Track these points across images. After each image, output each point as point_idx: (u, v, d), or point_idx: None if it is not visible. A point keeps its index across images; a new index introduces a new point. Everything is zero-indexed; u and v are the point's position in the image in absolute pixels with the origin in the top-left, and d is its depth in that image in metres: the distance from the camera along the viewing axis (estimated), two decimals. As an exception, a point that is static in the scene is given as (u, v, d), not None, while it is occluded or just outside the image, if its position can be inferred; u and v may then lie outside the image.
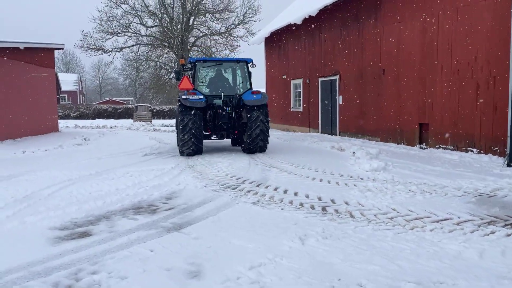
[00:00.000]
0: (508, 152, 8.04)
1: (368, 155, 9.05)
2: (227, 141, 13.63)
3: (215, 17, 41.53)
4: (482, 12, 9.20)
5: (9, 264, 3.56)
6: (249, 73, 11.25)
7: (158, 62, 43.84)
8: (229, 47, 42.28)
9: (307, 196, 5.93)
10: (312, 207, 5.35)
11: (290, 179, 7.21)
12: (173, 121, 30.62)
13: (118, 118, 39.17)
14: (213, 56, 41.47)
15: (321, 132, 16.55)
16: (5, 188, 6.67)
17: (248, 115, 10.22)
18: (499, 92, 8.86)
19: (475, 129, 9.53)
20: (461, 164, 8.41)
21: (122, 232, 4.45)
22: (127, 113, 39.46)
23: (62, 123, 23.52)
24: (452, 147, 10.13)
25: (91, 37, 38.20)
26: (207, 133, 10.96)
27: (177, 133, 10.77)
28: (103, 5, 36.95)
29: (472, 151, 9.59)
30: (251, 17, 41.32)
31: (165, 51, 43.76)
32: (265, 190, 6.35)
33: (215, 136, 11.01)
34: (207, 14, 41.50)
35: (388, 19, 12.23)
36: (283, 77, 20.11)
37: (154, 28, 42.16)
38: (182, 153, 10.30)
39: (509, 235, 4.13)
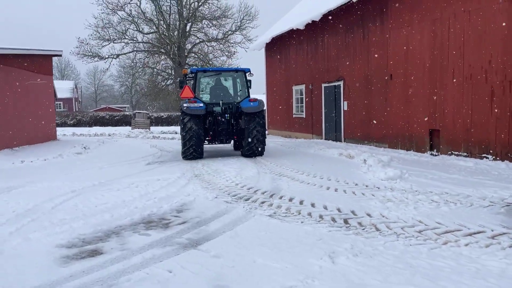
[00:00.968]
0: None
1: (380, 163, 8.78)
2: (229, 147, 14.20)
3: (212, 24, 41.47)
4: (495, 15, 8.98)
5: (15, 290, 3.25)
6: (247, 82, 11.90)
7: (155, 69, 43.56)
8: (226, 53, 42.18)
9: (325, 208, 5.65)
10: (333, 220, 5.07)
11: (303, 189, 6.95)
12: (172, 128, 30.76)
13: (116, 125, 38.75)
14: (210, 62, 41.32)
15: (325, 139, 16.27)
16: (5, 201, 6.35)
17: (246, 121, 10.81)
18: (515, 96, 8.62)
19: (490, 135, 9.26)
20: (478, 171, 8.14)
21: (135, 249, 4.14)
22: (124, 121, 39.02)
23: (59, 131, 23.14)
24: (466, 154, 9.84)
25: (87, 44, 38.00)
26: (208, 139, 11.60)
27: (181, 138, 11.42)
28: (99, 11, 36.76)
29: (487, 157, 9.31)
30: (248, 23, 41.29)
31: (162, 58, 43.53)
32: (280, 201, 6.07)
33: (215, 141, 11.66)
34: (204, 20, 41.41)
35: (395, 23, 12.00)
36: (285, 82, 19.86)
37: (150, 34, 41.98)
38: (184, 157, 10.90)
39: (552, 250, 3.86)
